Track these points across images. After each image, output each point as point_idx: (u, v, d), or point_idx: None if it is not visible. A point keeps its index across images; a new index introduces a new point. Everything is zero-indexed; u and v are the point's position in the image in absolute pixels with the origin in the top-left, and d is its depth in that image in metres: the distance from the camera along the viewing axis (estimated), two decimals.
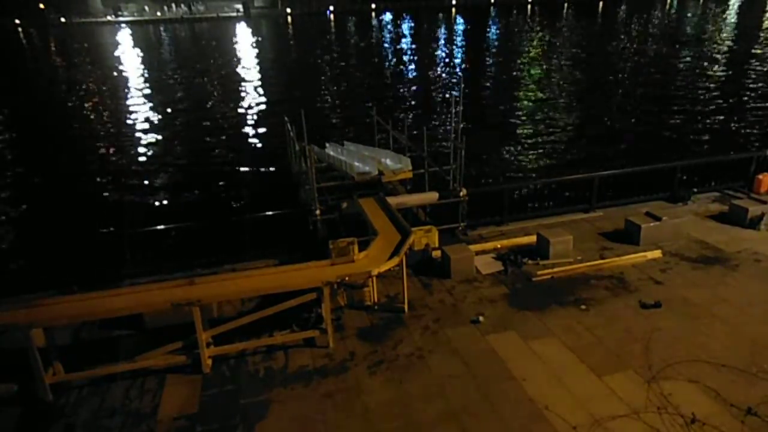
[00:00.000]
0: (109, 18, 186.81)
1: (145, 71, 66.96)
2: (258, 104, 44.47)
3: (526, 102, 40.69)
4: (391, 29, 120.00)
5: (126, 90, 53.88)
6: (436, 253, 12.95)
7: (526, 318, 10.80)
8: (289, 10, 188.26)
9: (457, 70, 57.98)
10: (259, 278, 10.20)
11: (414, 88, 48.74)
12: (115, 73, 65.67)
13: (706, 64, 53.38)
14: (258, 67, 67.21)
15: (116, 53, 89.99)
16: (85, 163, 29.81)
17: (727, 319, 10.43)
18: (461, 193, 14.23)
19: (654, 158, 20.39)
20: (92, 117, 42.39)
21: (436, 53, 72.53)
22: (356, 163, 15.25)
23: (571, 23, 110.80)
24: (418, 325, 10.75)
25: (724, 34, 78.45)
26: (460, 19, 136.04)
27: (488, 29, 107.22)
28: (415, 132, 24.90)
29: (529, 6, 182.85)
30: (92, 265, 13.20)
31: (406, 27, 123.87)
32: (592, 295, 11.49)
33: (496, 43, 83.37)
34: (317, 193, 13.53)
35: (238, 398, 8.99)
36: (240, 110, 42.13)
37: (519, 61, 60.49)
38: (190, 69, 67.28)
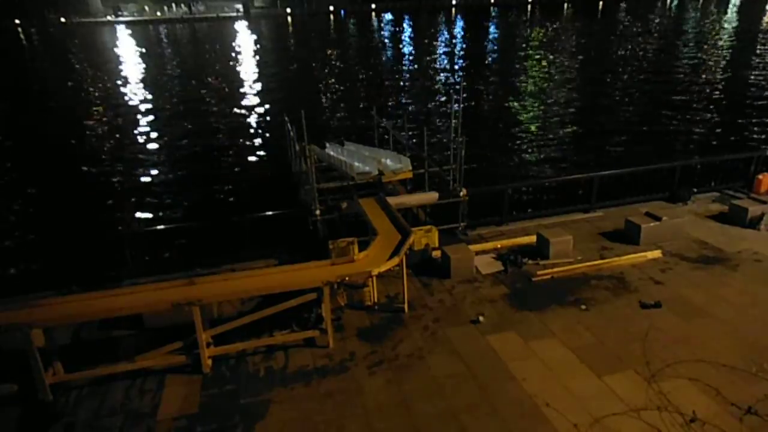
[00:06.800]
0: (109, 18, 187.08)
1: (145, 71, 66.97)
2: (258, 104, 44.45)
3: (526, 102, 40.67)
4: (391, 29, 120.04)
5: (125, 90, 53.88)
6: (436, 253, 12.96)
7: (526, 318, 10.80)
8: (289, 10, 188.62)
9: (457, 69, 57.98)
10: (259, 278, 10.20)
11: (414, 88, 48.73)
12: (115, 74, 65.67)
13: (705, 63, 53.38)
14: (258, 67, 67.21)
15: (116, 53, 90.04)
16: (85, 163, 29.79)
17: (727, 319, 10.43)
18: (461, 193, 14.23)
19: (654, 158, 20.43)
20: (92, 117, 42.35)
21: (435, 53, 72.49)
22: (356, 163, 15.24)
23: (571, 23, 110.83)
24: (418, 325, 10.75)
25: (724, 34, 78.48)
26: (460, 19, 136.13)
27: (488, 29, 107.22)
28: (415, 132, 24.92)
29: (529, 5, 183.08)
30: (92, 265, 13.21)
31: (405, 27, 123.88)
32: (592, 295, 11.49)
33: (496, 43, 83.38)
34: (317, 193, 13.53)
35: (238, 398, 8.99)
36: (240, 110, 42.12)
37: (519, 61, 60.50)
38: (190, 69, 67.30)
